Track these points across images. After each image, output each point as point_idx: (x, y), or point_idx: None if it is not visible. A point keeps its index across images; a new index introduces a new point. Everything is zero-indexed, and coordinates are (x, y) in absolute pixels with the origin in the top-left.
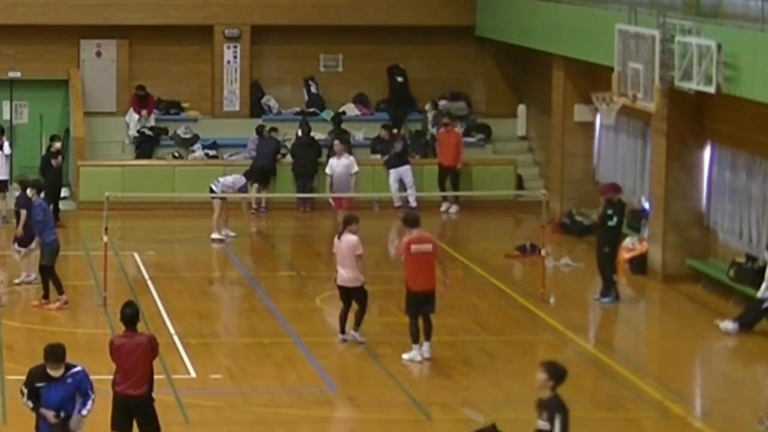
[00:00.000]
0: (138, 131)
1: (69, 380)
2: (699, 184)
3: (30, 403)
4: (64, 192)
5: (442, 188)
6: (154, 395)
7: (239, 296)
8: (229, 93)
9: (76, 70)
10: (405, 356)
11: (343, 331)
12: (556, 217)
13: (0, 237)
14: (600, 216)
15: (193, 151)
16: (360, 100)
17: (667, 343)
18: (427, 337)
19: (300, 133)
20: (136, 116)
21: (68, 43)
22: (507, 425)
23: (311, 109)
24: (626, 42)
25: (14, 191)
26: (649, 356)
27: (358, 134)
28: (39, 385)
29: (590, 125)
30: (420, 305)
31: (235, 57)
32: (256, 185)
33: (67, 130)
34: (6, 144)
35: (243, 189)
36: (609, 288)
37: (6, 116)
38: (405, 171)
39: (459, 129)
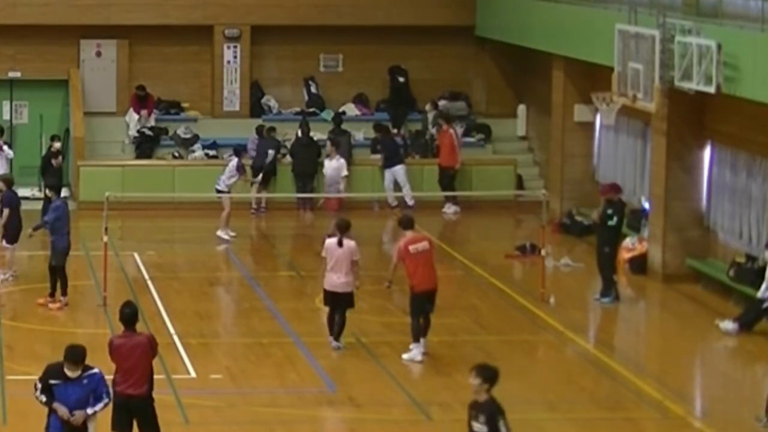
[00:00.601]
0: (138, 131)
1: (85, 381)
2: (699, 184)
3: (43, 397)
4: (64, 192)
5: (443, 188)
6: (154, 395)
7: (239, 296)
8: (229, 93)
9: (76, 70)
10: (405, 356)
11: (332, 334)
12: (556, 217)
13: None
14: (600, 216)
15: (193, 151)
16: (360, 100)
17: (667, 343)
18: (425, 334)
19: (300, 133)
20: (136, 116)
21: (68, 43)
22: None
23: (311, 109)
24: (626, 42)
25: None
26: (649, 356)
27: (358, 134)
28: (54, 382)
29: (590, 125)
30: (424, 305)
31: (235, 57)
32: (256, 185)
33: (67, 130)
34: (6, 147)
35: (240, 167)
36: (609, 288)
37: (6, 116)
38: (398, 170)
39: (459, 129)
